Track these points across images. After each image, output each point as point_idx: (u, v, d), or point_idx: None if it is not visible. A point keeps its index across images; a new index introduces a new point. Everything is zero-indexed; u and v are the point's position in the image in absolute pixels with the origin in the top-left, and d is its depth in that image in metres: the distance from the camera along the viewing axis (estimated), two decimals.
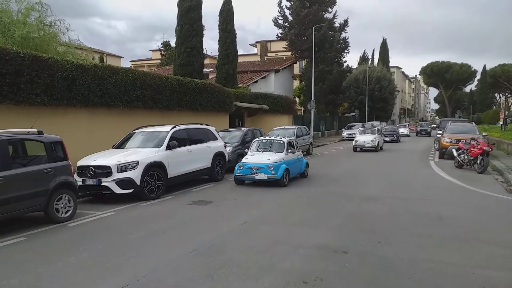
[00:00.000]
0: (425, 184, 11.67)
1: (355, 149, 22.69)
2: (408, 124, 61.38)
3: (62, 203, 7.45)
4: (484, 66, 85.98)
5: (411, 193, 10.18)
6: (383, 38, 79.15)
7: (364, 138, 22.75)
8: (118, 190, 9.10)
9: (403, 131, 40.21)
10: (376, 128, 24.52)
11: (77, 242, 6.26)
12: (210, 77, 30.10)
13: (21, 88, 10.00)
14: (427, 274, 4.74)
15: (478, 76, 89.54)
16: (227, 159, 13.08)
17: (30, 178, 6.95)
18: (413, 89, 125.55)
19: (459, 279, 4.63)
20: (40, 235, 6.65)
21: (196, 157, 11.41)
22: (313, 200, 9.45)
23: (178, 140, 10.73)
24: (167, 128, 11.03)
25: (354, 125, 37.07)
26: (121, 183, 9.10)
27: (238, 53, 28.12)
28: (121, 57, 56.13)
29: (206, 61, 30.59)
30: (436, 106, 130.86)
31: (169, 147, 10.36)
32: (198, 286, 4.48)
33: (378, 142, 22.47)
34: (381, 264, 5.09)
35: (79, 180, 9.02)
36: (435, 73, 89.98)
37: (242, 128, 17.03)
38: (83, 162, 9.54)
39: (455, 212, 8.00)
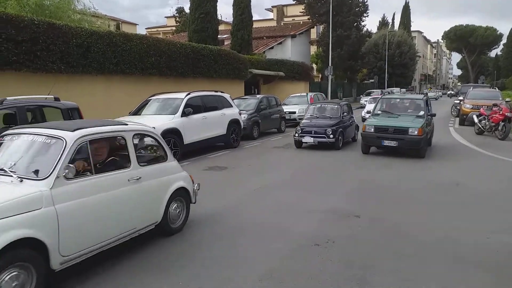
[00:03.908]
0: (443, 151, 11.47)
1: None
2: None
3: None
4: (511, 29, 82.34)
5: (431, 160, 10.04)
6: (406, 0, 75.97)
7: None
8: None
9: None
10: None
11: None
12: (225, 43, 29.70)
13: (37, 56, 10.07)
14: (439, 239, 4.74)
15: (504, 40, 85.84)
16: (242, 127, 13.08)
17: None
18: (435, 54, 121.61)
19: (473, 243, 4.60)
20: None
21: (211, 124, 11.43)
22: (328, 166, 9.43)
23: (193, 107, 10.73)
24: (182, 95, 11.02)
25: (373, 91, 36.35)
26: None
27: (253, 18, 27.47)
28: (136, 24, 55.82)
29: (221, 27, 30.12)
30: (458, 72, 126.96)
31: (184, 114, 10.39)
32: (212, 248, 4.59)
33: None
34: (394, 229, 5.09)
35: None
36: (459, 37, 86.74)
37: (257, 96, 16.90)
38: None
39: (472, 179, 7.89)
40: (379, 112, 11.24)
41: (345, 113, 12.36)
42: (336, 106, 12.44)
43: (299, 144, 11.86)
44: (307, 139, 11.52)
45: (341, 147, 11.64)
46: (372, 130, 10.30)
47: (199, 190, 5.36)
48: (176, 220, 4.97)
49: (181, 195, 5.03)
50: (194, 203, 5.28)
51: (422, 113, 10.55)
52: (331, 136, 11.26)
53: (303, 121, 12.34)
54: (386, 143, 10.08)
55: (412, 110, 10.91)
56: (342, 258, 4.20)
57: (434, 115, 11.31)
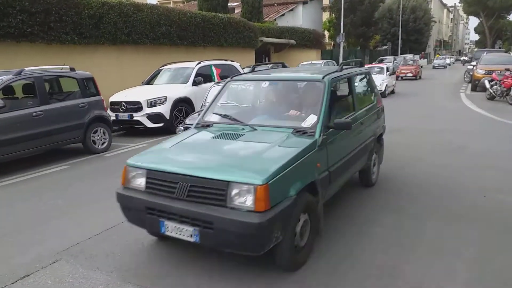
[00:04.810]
0: (452, 116, 11.54)
1: None
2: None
3: (98, 136, 8.02)
4: None
5: (436, 124, 10.16)
6: None
7: None
8: (149, 124, 9.60)
9: None
10: None
11: (113, 169, 6.82)
12: (236, 11, 29.39)
13: (51, 27, 10.31)
14: (437, 197, 4.98)
15: None
16: None
17: (67, 112, 7.46)
18: (451, 19, 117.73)
19: (469, 200, 4.85)
20: (81, 164, 7.30)
21: None
22: None
23: (203, 76, 10.93)
24: (192, 64, 11.20)
25: (386, 58, 35.77)
26: (151, 117, 9.58)
27: None
28: None
29: None
30: (476, 37, 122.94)
31: (195, 83, 10.61)
32: None
33: None
34: (394, 188, 5.36)
35: (112, 115, 9.54)
36: (476, 1, 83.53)
37: (267, 64, 16.94)
38: (115, 98, 10.01)
39: (478, 143, 8.02)
40: (215, 117, 4.25)
41: None
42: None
43: None
44: None
45: None
46: (142, 182, 3.21)
47: None
48: None
49: None
50: None
51: (311, 122, 3.62)
52: None
53: (193, 114, 7.74)
54: (170, 230, 2.99)
55: (299, 111, 3.97)
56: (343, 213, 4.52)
57: (348, 126, 3.63)
